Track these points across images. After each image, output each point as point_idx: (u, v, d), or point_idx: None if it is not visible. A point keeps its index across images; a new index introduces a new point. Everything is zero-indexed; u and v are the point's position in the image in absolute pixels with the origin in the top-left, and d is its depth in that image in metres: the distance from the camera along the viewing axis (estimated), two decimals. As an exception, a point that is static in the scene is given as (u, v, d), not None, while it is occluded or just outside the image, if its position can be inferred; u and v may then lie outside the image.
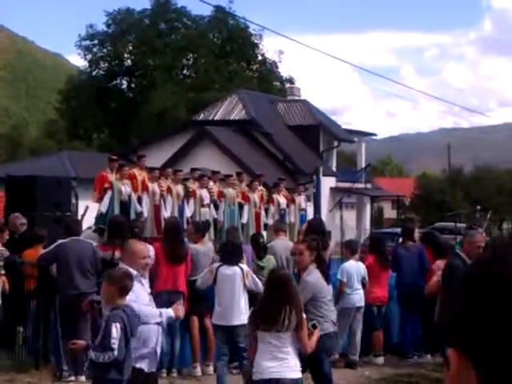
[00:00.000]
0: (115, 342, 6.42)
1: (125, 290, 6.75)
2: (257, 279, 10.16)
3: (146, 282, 7.36)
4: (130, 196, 15.85)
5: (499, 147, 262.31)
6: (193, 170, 19.41)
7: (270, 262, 12.04)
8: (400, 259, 13.16)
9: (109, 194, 15.40)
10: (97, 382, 6.81)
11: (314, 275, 8.65)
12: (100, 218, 15.26)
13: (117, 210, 15.24)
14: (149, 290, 7.40)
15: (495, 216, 48.27)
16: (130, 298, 6.69)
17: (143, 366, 6.98)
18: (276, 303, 6.93)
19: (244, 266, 10.13)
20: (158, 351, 7.21)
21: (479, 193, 55.20)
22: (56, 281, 10.63)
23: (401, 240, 14.25)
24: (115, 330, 6.44)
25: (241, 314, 9.63)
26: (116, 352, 6.43)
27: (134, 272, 6.87)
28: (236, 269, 9.90)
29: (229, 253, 10.10)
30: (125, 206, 15.59)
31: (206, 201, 17.92)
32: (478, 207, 48.66)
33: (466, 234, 11.53)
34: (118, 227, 11.23)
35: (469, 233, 11.03)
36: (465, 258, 8.96)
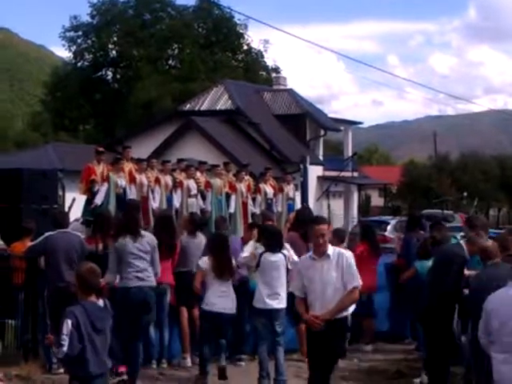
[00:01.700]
0: (65, 339, 6.48)
1: (86, 286, 6.77)
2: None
3: None
4: (124, 189, 15.89)
5: (485, 134, 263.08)
6: (179, 160, 19.36)
7: None
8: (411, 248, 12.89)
9: (105, 186, 15.42)
10: (70, 377, 6.86)
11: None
12: (87, 209, 15.25)
13: (112, 203, 15.32)
14: None
15: (482, 202, 48.45)
16: None
17: None
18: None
19: (286, 252, 10.36)
20: None
21: (466, 179, 55.32)
22: (44, 273, 10.60)
23: (408, 229, 13.97)
24: (65, 327, 6.50)
25: (284, 297, 10.12)
26: (65, 348, 6.47)
27: None
28: (280, 255, 10.20)
29: (273, 240, 10.25)
30: (119, 198, 15.61)
31: (194, 191, 17.89)
32: (465, 194, 48.83)
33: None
34: (102, 221, 11.19)
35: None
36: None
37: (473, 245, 9.54)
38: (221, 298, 10.16)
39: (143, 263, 9.93)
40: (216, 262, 10.24)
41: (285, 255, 10.26)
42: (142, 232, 10.27)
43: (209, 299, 10.20)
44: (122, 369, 10.05)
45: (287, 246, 10.67)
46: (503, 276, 7.64)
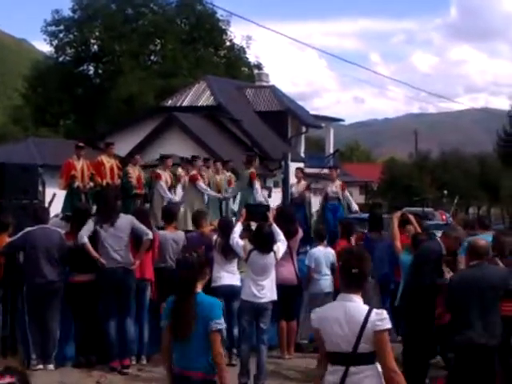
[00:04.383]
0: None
1: None
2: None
3: None
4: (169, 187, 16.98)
5: (466, 132, 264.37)
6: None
7: None
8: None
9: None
10: None
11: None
12: (67, 204, 15.23)
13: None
14: None
15: (461, 200, 48.68)
16: None
17: None
18: None
19: (275, 247, 10.19)
20: None
21: (446, 177, 55.56)
22: (23, 269, 10.54)
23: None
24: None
25: (271, 296, 10.09)
26: None
27: None
28: (268, 257, 10.04)
29: (263, 243, 10.14)
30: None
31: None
32: (445, 192, 49.06)
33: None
34: (80, 216, 11.13)
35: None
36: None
37: (448, 238, 9.69)
38: None
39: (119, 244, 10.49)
40: None
41: (274, 251, 10.15)
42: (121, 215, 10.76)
43: None
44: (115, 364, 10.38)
45: (276, 229, 10.41)
46: (486, 277, 7.79)
